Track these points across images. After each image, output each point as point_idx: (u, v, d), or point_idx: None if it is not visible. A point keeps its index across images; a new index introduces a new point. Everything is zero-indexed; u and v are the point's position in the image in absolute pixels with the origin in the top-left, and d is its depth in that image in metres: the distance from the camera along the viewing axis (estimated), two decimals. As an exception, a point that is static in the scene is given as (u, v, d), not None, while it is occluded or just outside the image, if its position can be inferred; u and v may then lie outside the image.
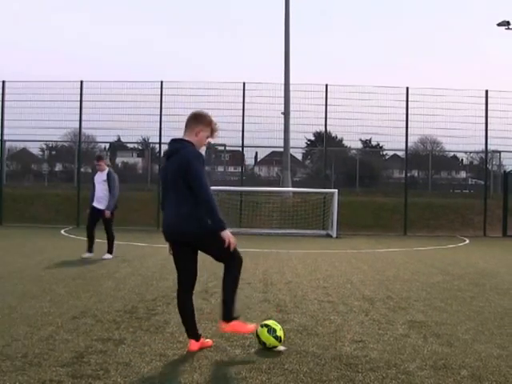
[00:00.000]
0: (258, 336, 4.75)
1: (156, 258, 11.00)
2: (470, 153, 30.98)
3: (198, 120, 4.57)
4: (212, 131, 4.59)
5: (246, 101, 21.43)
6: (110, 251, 11.08)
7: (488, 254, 14.01)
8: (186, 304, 4.64)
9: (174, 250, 4.63)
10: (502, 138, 21.80)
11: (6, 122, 21.78)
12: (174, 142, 4.59)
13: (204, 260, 12.04)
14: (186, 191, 4.39)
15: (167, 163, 4.52)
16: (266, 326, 4.74)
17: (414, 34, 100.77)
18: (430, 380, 4.06)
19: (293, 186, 24.09)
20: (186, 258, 4.66)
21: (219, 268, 10.33)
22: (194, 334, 4.64)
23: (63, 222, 20.06)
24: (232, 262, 4.70)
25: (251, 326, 4.77)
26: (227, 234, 4.45)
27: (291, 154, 24.88)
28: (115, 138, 27.41)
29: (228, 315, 4.60)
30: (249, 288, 7.80)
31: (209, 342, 4.77)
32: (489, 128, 21.43)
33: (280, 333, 4.71)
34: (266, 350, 4.69)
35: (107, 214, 11.13)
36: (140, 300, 6.77)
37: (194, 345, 4.61)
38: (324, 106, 21.44)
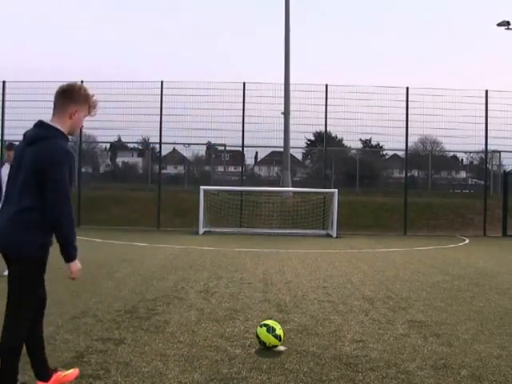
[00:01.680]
0: (257, 336, 4.75)
1: (156, 258, 11.01)
2: (470, 153, 31.03)
3: (71, 97, 3.43)
4: (90, 108, 3.54)
5: (246, 101, 21.44)
6: None
7: (488, 254, 14.01)
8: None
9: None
10: (501, 138, 21.81)
11: (6, 122, 21.81)
12: (40, 127, 3.40)
13: (205, 260, 12.01)
14: (36, 193, 3.31)
15: (25, 150, 3.38)
16: (265, 325, 4.74)
17: (414, 33, 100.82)
18: (430, 380, 4.06)
19: (293, 186, 24.10)
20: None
21: (219, 268, 10.39)
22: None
23: (63, 222, 20.04)
24: (19, 315, 3.37)
25: (72, 372, 3.81)
26: (76, 266, 3.45)
27: (291, 154, 24.89)
28: (115, 138, 27.45)
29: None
30: (249, 288, 7.81)
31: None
32: (489, 128, 21.45)
33: (280, 332, 4.71)
34: (266, 349, 4.69)
35: None
36: (140, 300, 6.78)
37: None
38: (324, 106, 21.45)
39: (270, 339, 4.67)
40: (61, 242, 3.36)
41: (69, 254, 3.39)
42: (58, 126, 3.41)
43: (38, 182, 3.28)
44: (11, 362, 3.33)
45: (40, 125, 3.42)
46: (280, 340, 4.70)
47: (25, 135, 3.47)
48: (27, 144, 3.38)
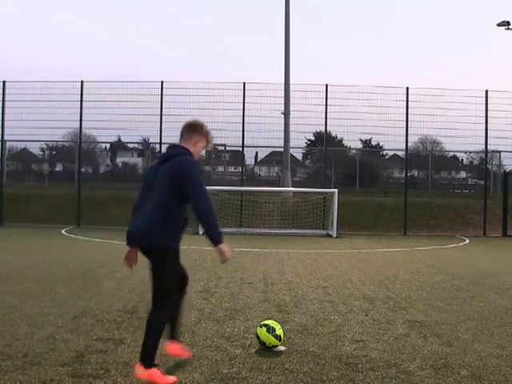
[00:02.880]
0: (257, 336, 4.75)
1: (156, 258, 11.00)
2: (470, 153, 31.04)
3: (196, 130, 4.35)
4: (207, 142, 4.41)
5: (246, 101, 21.44)
6: None
7: (488, 254, 14.01)
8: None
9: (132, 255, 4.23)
10: (501, 138, 21.82)
11: (6, 122, 21.81)
12: (172, 148, 4.34)
13: (204, 260, 12.02)
14: (169, 199, 4.08)
15: (158, 166, 4.23)
16: (265, 325, 4.74)
17: (414, 34, 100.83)
18: (430, 379, 4.06)
19: (293, 186, 24.09)
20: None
21: (219, 268, 10.39)
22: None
23: (64, 222, 20.06)
24: (166, 300, 4.06)
25: (171, 379, 3.99)
26: (225, 247, 4.07)
27: (291, 154, 24.88)
28: (116, 138, 27.44)
29: (147, 360, 3.92)
30: (249, 288, 7.81)
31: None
32: (489, 128, 21.44)
33: (279, 332, 4.70)
34: (265, 350, 4.69)
35: None
36: (140, 300, 6.77)
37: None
38: (324, 106, 21.45)
39: (269, 339, 4.67)
40: (207, 229, 4.10)
41: (216, 239, 4.06)
42: (187, 148, 4.28)
43: (177, 188, 4.04)
44: (158, 337, 3.96)
45: (173, 147, 4.34)
46: (280, 340, 4.69)
47: (160, 156, 4.52)
48: (163, 161, 4.23)
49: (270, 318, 5.33)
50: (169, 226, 4.12)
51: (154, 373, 3.89)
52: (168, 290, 4.08)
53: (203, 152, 4.58)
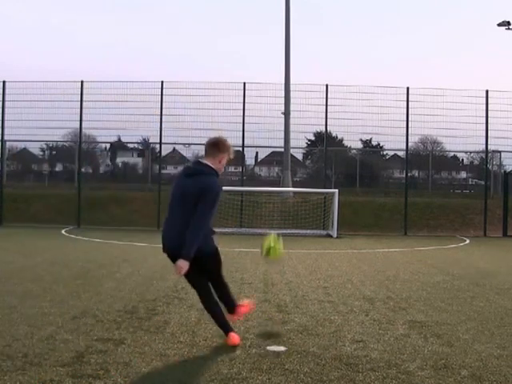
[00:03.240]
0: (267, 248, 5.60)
1: (156, 258, 10.99)
2: (471, 153, 31.03)
3: (222, 148, 4.69)
4: (230, 155, 4.78)
5: (246, 101, 21.42)
6: None
7: (488, 254, 14.01)
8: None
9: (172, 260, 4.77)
10: (502, 138, 21.79)
11: (6, 122, 21.79)
12: (200, 165, 4.69)
13: (204, 260, 11.80)
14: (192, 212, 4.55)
15: (185, 180, 4.63)
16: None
17: (414, 34, 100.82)
18: (431, 380, 4.06)
19: (293, 186, 24.08)
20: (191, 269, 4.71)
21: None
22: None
23: (64, 222, 20.06)
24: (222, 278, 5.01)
25: (248, 302, 5.39)
26: (185, 264, 4.51)
27: (291, 154, 24.86)
28: (116, 138, 27.43)
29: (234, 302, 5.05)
30: (249, 288, 7.81)
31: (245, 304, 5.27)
32: (489, 128, 21.41)
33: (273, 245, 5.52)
34: (266, 351, 4.69)
35: None
36: (140, 300, 6.77)
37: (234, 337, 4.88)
38: (324, 106, 21.43)
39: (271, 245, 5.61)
40: (189, 243, 4.49)
41: (189, 255, 4.49)
42: (213, 166, 4.67)
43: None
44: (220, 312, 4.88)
45: (199, 163, 4.74)
46: (269, 250, 5.60)
47: (187, 170, 4.79)
48: (190, 175, 4.65)
49: (271, 319, 5.31)
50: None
51: (241, 310, 5.11)
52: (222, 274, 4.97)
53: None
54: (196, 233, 4.48)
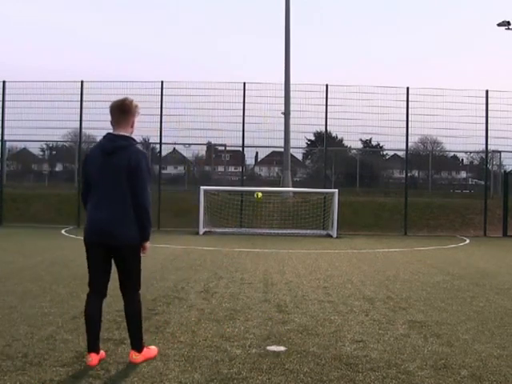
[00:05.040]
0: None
1: (156, 258, 10.99)
2: (471, 153, 31.03)
3: (130, 111, 4.30)
4: (138, 115, 4.39)
5: (246, 101, 21.41)
6: None
7: (488, 254, 14.01)
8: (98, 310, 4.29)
9: (94, 252, 4.22)
10: (502, 138, 21.78)
11: (6, 122, 21.77)
12: (118, 138, 4.22)
13: (204, 260, 11.98)
14: (125, 191, 4.12)
15: (107, 159, 4.14)
16: None
17: (414, 34, 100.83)
18: (430, 380, 4.06)
19: (293, 186, 24.09)
20: (106, 261, 4.26)
21: (220, 268, 10.38)
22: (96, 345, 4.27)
23: (64, 222, 20.06)
24: (138, 287, 4.33)
25: (154, 349, 4.53)
26: (148, 245, 4.26)
27: (291, 154, 24.86)
28: (115, 138, 27.36)
29: (139, 344, 4.32)
30: (249, 288, 7.80)
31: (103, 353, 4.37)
32: (489, 128, 21.40)
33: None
34: (266, 351, 4.69)
35: None
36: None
37: (95, 358, 4.21)
38: (324, 106, 21.41)
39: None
40: (141, 225, 4.18)
41: (148, 235, 4.23)
42: (129, 135, 4.28)
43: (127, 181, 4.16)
44: (141, 321, 4.33)
45: (115, 137, 4.24)
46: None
47: (104, 148, 4.23)
48: (110, 153, 4.16)
49: (271, 319, 5.31)
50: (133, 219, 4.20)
51: (146, 351, 4.35)
52: (139, 278, 4.38)
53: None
54: (147, 210, 4.14)
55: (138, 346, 4.29)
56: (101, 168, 4.15)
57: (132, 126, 4.31)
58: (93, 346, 4.21)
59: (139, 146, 4.32)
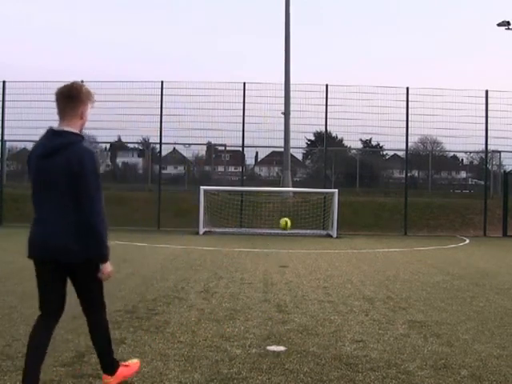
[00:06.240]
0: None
1: (156, 258, 11.00)
2: (470, 153, 31.01)
3: (79, 98, 3.46)
4: (92, 103, 3.58)
5: (246, 101, 21.40)
6: None
7: (488, 254, 14.01)
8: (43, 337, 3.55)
9: (42, 269, 3.56)
10: (502, 138, 21.78)
11: (6, 122, 21.77)
12: (58, 136, 3.43)
13: (204, 260, 11.98)
14: (75, 199, 3.40)
15: (48, 162, 3.39)
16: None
17: (414, 34, 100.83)
18: (430, 380, 4.06)
19: (293, 186, 24.07)
20: (59, 280, 3.66)
21: (220, 268, 10.37)
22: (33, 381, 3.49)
23: (63, 222, 20.02)
24: (101, 306, 3.76)
25: (135, 363, 4.03)
26: (109, 266, 3.56)
27: (291, 154, 24.86)
28: (115, 138, 27.44)
29: (111, 367, 3.78)
30: (249, 288, 7.80)
31: None
32: (489, 128, 21.40)
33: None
34: (266, 351, 4.69)
35: None
36: (140, 300, 6.77)
37: None
38: (324, 106, 21.41)
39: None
40: (93, 238, 3.48)
41: (106, 254, 3.54)
42: (75, 130, 3.47)
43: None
44: (110, 341, 3.76)
45: (56, 134, 3.45)
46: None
47: (43, 149, 3.45)
48: (49, 155, 3.40)
49: (271, 318, 5.31)
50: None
51: (120, 372, 3.80)
52: (102, 297, 3.81)
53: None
54: (99, 219, 3.40)
55: (109, 368, 3.75)
56: (39, 173, 3.44)
57: (82, 118, 3.50)
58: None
59: (85, 144, 3.50)
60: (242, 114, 21.40)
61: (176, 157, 32.88)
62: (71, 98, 3.44)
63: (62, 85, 3.49)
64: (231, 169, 33.07)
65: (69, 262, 3.51)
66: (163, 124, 21.31)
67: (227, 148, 26.62)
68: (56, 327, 3.65)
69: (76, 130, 3.46)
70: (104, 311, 3.75)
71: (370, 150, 34.23)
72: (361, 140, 30.58)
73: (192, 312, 6.13)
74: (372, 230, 20.30)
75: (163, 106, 21.22)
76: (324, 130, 22.56)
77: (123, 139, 27.41)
